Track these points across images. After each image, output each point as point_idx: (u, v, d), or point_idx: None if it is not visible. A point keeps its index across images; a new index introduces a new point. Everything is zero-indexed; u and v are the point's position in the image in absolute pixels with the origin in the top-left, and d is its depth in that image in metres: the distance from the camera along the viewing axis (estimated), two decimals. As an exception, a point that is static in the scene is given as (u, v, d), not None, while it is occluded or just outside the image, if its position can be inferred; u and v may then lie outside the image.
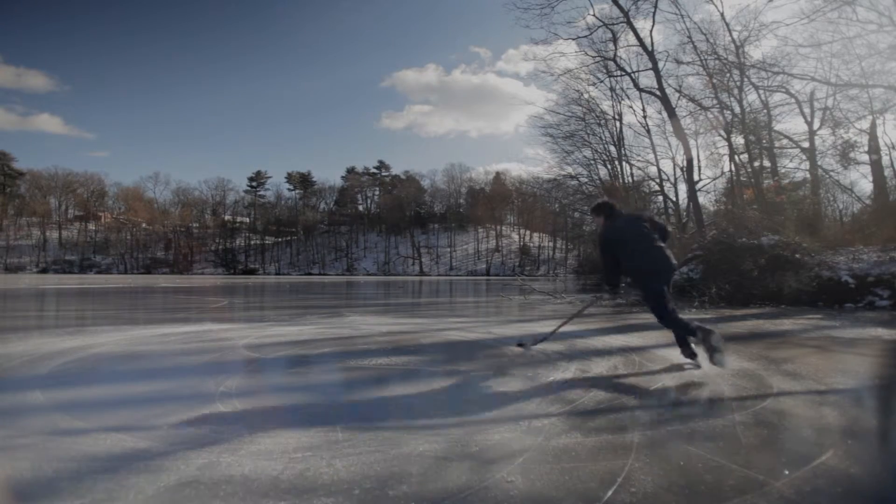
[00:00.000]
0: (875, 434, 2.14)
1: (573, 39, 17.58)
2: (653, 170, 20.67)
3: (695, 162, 16.64)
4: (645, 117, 19.41)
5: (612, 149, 21.21)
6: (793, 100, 15.17)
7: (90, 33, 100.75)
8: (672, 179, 20.71)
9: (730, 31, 14.31)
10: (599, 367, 3.29)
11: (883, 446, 2.00)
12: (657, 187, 20.91)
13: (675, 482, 1.50)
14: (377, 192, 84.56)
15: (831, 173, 16.29)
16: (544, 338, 4.19)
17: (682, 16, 15.26)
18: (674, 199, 20.42)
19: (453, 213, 79.13)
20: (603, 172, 22.88)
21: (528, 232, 74.84)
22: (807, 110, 15.16)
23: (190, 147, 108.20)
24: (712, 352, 3.09)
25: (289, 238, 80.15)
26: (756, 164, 16.00)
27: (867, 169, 15.14)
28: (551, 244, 71.93)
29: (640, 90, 17.70)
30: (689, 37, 15.02)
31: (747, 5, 17.18)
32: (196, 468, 1.59)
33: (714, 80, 15.12)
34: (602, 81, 19.71)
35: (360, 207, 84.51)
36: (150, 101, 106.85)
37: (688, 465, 1.63)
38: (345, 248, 78.97)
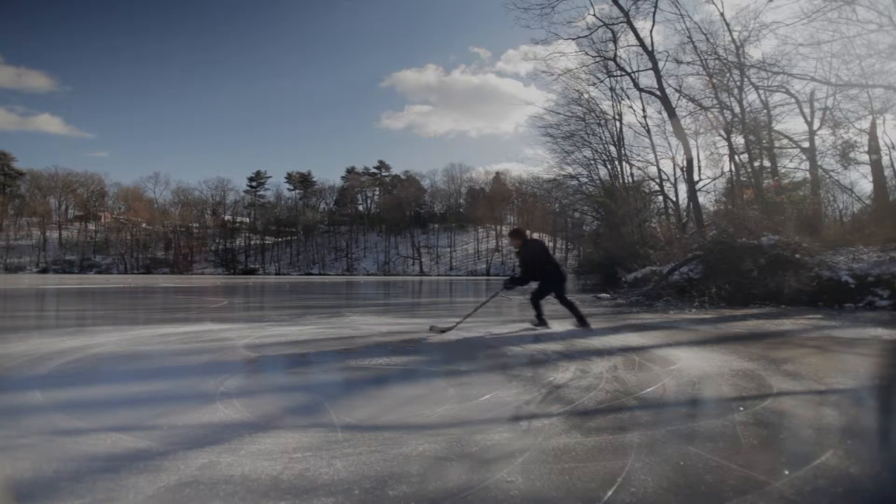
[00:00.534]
0: (875, 434, 2.14)
1: (573, 39, 17.60)
2: (653, 170, 20.68)
3: (695, 162, 16.65)
4: (645, 117, 19.41)
5: (612, 149, 21.21)
6: (793, 100, 15.17)
7: (91, 34, 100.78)
8: (672, 179, 20.71)
9: (730, 30, 14.32)
10: (599, 367, 3.29)
11: (883, 446, 2.00)
12: (657, 187, 20.91)
13: (675, 482, 1.50)
14: (377, 192, 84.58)
15: (831, 173, 16.29)
16: (452, 327, 5.10)
17: (682, 16, 15.29)
18: (674, 199, 20.42)
19: (453, 213, 79.14)
20: (603, 172, 22.89)
21: (528, 232, 74.82)
22: (807, 110, 15.16)
23: (190, 147, 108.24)
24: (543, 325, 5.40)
25: (289, 238, 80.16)
26: (756, 164, 16.00)
27: (867, 169, 15.14)
28: (551, 244, 71.87)
29: (640, 90, 17.71)
30: (689, 37, 15.04)
31: (747, 5, 17.20)
32: (196, 468, 1.59)
33: (714, 80, 15.11)
34: (602, 81, 19.73)
35: (360, 207, 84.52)
36: (150, 101, 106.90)
37: (688, 465, 1.63)
38: (345, 248, 78.97)
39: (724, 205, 18.43)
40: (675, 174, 20.61)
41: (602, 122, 21.12)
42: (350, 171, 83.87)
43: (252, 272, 72.78)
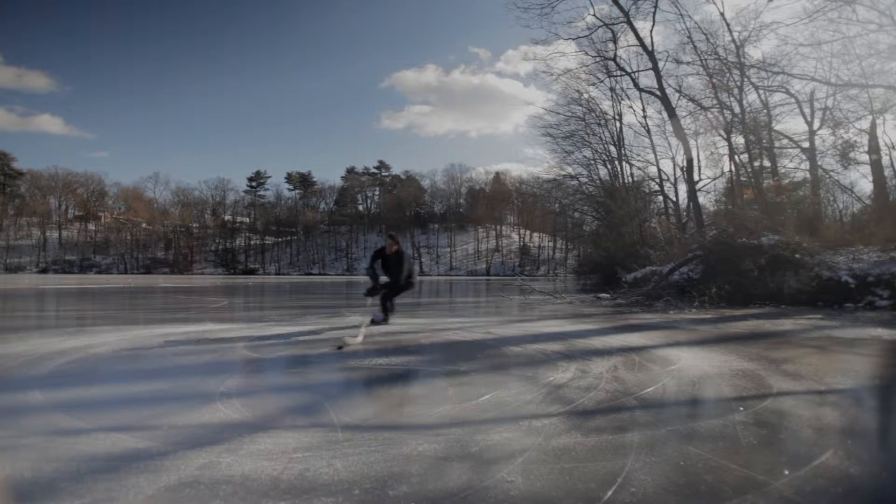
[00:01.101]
0: (875, 434, 2.14)
1: (573, 39, 17.59)
2: (653, 170, 20.65)
3: (695, 162, 16.64)
4: (645, 117, 19.40)
5: (612, 149, 21.20)
6: (793, 100, 15.15)
7: (91, 34, 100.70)
8: (672, 179, 20.69)
9: (730, 30, 14.31)
10: (599, 367, 3.29)
11: (883, 446, 2.00)
12: (657, 187, 20.88)
13: (675, 482, 1.50)
14: (377, 192, 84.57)
15: (831, 173, 16.27)
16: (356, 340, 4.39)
17: (682, 16, 15.26)
18: (674, 199, 20.40)
19: (453, 213, 79.13)
20: (603, 172, 22.87)
21: (528, 232, 74.85)
22: (807, 110, 15.14)
23: (190, 147, 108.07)
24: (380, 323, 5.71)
25: (289, 238, 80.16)
26: (756, 164, 15.99)
27: (867, 169, 15.11)
28: (551, 244, 71.95)
29: (640, 90, 17.70)
30: (689, 37, 15.03)
31: (747, 5, 17.19)
32: (196, 468, 1.59)
33: (714, 80, 15.10)
34: (602, 81, 19.70)
35: (360, 207, 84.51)
36: (150, 102, 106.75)
37: (688, 465, 1.63)
38: (345, 248, 78.99)
39: (724, 205, 18.44)
40: (675, 174, 20.61)
41: (602, 122, 21.12)
42: (350, 171, 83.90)
43: (252, 272, 72.79)
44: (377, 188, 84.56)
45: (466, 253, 76.34)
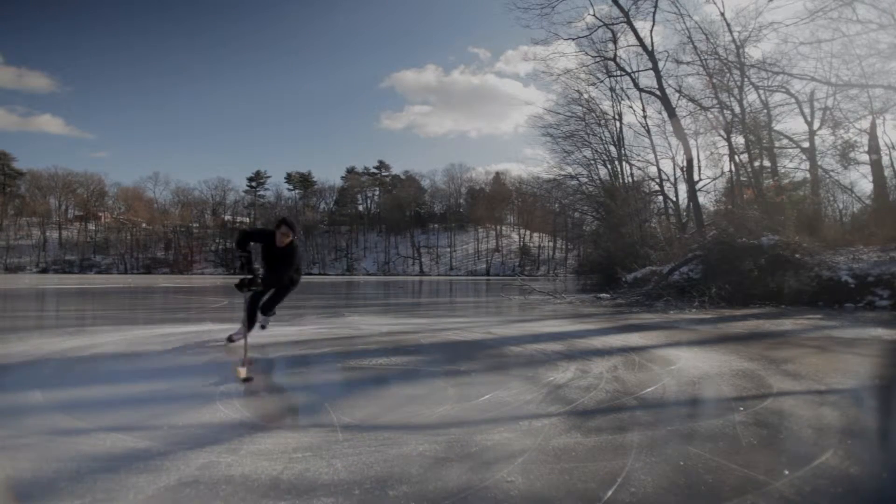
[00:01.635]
0: (875, 434, 2.14)
1: (573, 39, 17.59)
2: (653, 170, 20.65)
3: (695, 162, 16.65)
4: (645, 117, 19.40)
5: (612, 149, 21.20)
6: (793, 100, 15.16)
7: (91, 34, 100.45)
8: (672, 179, 20.69)
9: (730, 30, 14.32)
10: (599, 367, 3.29)
11: (883, 446, 2.00)
12: (657, 187, 20.88)
13: (675, 482, 1.50)
14: (377, 192, 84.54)
15: (831, 173, 16.28)
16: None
17: (682, 16, 15.26)
18: (674, 199, 20.40)
19: (453, 213, 79.09)
20: (603, 172, 22.87)
21: (528, 232, 74.84)
22: (807, 110, 15.15)
23: (190, 147, 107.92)
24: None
25: (289, 238, 79.98)
26: (756, 164, 15.99)
27: (867, 169, 15.13)
28: (551, 244, 71.92)
29: (640, 90, 17.71)
30: (689, 37, 15.03)
31: (747, 6, 17.19)
32: (196, 468, 1.59)
33: (714, 80, 15.10)
34: (602, 81, 19.70)
35: (360, 207, 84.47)
36: (150, 102, 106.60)
37: (688, 465, 1.63)
38: (345, 248, 78.99)
39: (724, 205, 18.42)
40: (675, 174, 20.60)
41: (602, 122, 21.12)
42: (350, 171, 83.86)
43: (252, 272, 72.57)
44: (377, 188, 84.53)
45: (466, 253, 76.32)
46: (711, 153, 18.92)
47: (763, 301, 8.84)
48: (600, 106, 20.95)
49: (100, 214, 75.30)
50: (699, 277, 9.76)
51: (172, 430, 1.99)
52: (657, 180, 20.53)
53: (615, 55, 17.36)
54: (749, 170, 15.89)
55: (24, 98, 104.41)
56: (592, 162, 22.79)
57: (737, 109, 15.35)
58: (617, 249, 17.49)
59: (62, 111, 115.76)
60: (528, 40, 24.90)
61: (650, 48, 15.62)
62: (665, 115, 17.22)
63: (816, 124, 15.14)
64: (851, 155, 15.30)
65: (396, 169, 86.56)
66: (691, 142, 17.18)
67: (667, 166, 21.15)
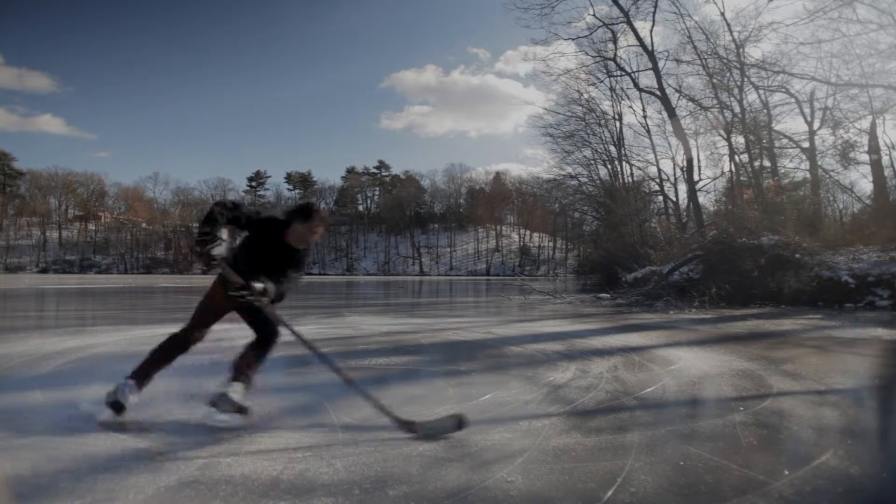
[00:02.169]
0: (875, 434, 2.14)
1: (573, 40, 17.59)
2: (653, 170, 20.66)
3: (695, 162, 16.65)
4: (645, 117, 19.41)
5: (612, 149, 21.21)
6: (793, 100, 15.16)
7: (92, 35, 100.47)
8: (672, 179, 20.69)
9: (730, 30, 14.31)
10: (599, 367, 3.29)
11: (883, 446, 2.00)
12: (657, 187, 20.89)
13: (675, 482, 1.50)
14: (377, 192, 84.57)
15: (831, 173, 16.29)
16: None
17: (682, 15, 15.26)
18: (674, 199, 20.41)
19: (453, 213, 79.12)
20: (603, 172, 22.88)
21: (528, 232, 74.85)
22: (807, 110, 15.15)
23: (190, 147, 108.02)
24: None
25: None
26: (756, 164, 15.99)
27: (867, 169, 15.13)
28: (551, 244, 71.91)
29: (640, 90, 17.71)
30: (689, 37, 15.03)
31: (747, 6, 17.19)
32: (196, 468, 1.59)
33: (714, 80, 15.10)
34: (602, 81, 19.71)
35: (360, 207, 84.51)
36: (150, 102, 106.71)
37: (688, 465, 1.63)
38: (345, 248, 78.99)
39: (724, 205, 18.43)
40: (675, 174, 20.61)
41: (602, 122, 21.13)
42: (350, 171, 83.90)
43: (252, 272, 72.62)
44: (377, 188, 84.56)
45: (466, 253, 76.33)
46: (711, 153, 18.94)
47: (763, 301, 8.84)
48: (600, 106, 20.97)
49: (100, 214, 75.31)
50: (699, 277, 9.76)
51: (172, 430, 1.99)
52: (657, 180, 20.54)
53: (615, 55, 17.37)
54: (749, 170, 15.89)
55: (25, 98, 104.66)
56: (592, 162, 22.81)
57: (737, 109, 15.36)
58: (617, 249, 17.48)
59: (63, 111, 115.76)
60: (528, 40, 24.92)
61: (650, 48, 15.62)
62: (665, 115, 17.23)
63: (816, 124, 15.15)
64: (851, 155, 15.32)
65: (396, 169, 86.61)
66: (691, 142, 17.20)
67: (667, 166, 21.16)
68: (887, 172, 15.19)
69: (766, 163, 16.34)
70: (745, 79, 14.73)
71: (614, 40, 17.07)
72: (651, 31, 15.88)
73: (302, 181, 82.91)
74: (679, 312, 7.66)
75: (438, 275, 67.53)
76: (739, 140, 15.96)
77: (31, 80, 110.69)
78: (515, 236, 77.27)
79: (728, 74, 14.96)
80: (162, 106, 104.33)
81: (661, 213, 21.69)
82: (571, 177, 23.55)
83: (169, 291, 16.01)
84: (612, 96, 20.15)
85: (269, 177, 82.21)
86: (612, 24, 16.66)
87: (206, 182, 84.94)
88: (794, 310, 7.91)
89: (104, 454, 1.72)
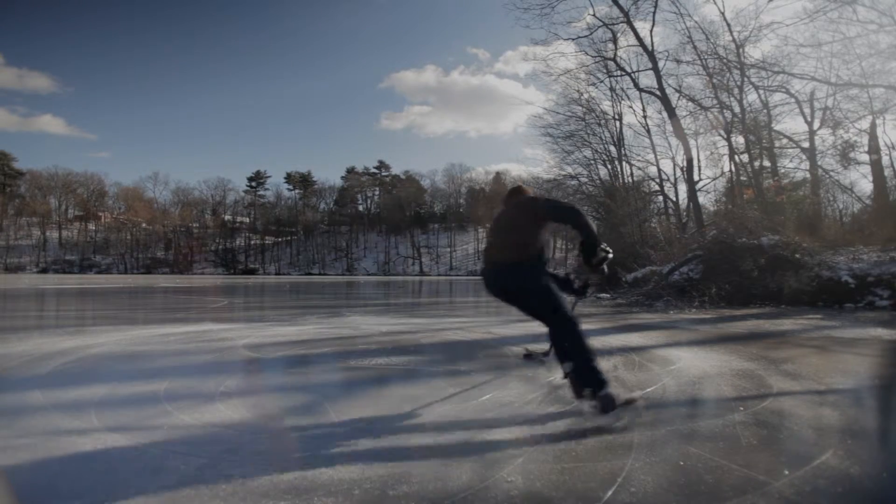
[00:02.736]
0: (875, 434, 2.14)
1: (573, 40, 17.58)
2: (653, 170, 20.65)
3: (695, 162, 16.64)
4: (645, 117, 19.39)
5: (612, 149, 21.18)
6: (793, 100, 15.16)
7: (92, 35, 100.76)
8: (672, 179, 20.68)
9: (730, 30, 14.32)
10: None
11: (883, 446, 1.99)
12: (657, 187, 20.88)
13: (675, 482, 1.50)
14: (377, 192, 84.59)
15: (831, 173, 16.28)
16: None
17: (682, 15, 15.27)
18: (674, 199, 20.39)
19: (453, 213, 79.15)
20: (603, 172, 22.86)
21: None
22: (807, 110, 15.15)
23: (190, 147, 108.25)
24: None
25: (289, 238, 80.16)
26: (756, 164, 15.99)
27: (867, 169, 15.13)
28: (551, 244, 71.85)
29: (640, 90, 17.70)
30: (689, 37, 15.03)
31: (747, 6, 17.18)
32: (196, 468, 1.59)
33: (714, 80, 15.11)
34: (602, 81, 19.68)
35: (360, 207, 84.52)
36: (151, 102, 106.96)
37: (688, 465, 1.63)
38: (345, 248, 78.99)
39: (724, 205, 18.42)
40: (675, 174, 20.59)
41: (602, 122, 21.10)
42: (350, 171, 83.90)
43: (252, 272, 72.80)
44: (377, 188, 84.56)
45: (466, 253, 76.33)
46: (711, 153, 18.93)
47: (763, 301, 8.84)
48: (600, 106, 20.94)
49: (100, 214, 75.31)
50: (699, 277, 9.76)
51: (172, 430, 1.99)
52: (657, 180, 20.53)
53: (615, 55, 17.35)
54: (749, 170, 15.89)
55: (26, 99, 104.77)
56: (592, 162, 22.80)
57: (737, 109, 15.36)
58: (617, 249, 17.44)
59: (63, 112, 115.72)
60: (528, 41, 24.95)
61: (650, 48, 15.62)
62: (665, 115, 17.22)
63: (816, 124, 15.15)
64: (851, 155, 15.30)
65: (396, 169, 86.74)
66: (691, 142, 17.19)
67: (667, 166, 21.16)
68: (887, 172, 15.20)
69: (766, 163, 16.35)
70: (745, 79, 14.74)
71: (614, 40, 17.07)
72: (651, 31, 15.89)
73: (302, 181, 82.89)
74: (679, 312, 7.66)
75: (438, 275, 67.52)
76: (739, 140, 15.97)
77: (31, 80, 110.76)
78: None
79: (728, 74, 14.96)
80: (162, 106, 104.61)
81: (661, 213, 21.68)
82: (571, 177, 23.54)
83: (169, 291, 16.01)
84: (612, 96, 20.13)
85: (269, 177, 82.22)
86: (612, 24, 16.66)
87: (206, 182, 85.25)
88: (794, 310, 7.91)
89: (104, 454, 1.72)
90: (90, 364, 3.40)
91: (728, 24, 14.35)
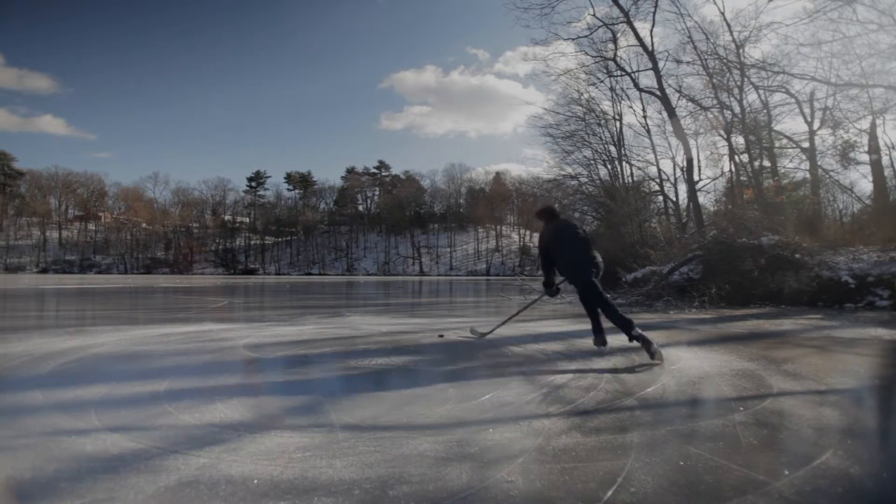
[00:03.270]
0: (875, 434, 2.14)
1: (573, 40, 17.57)
2: (653, 170, 20.65)
3: (695, 162, 16.63)
4: (645, 117, 19.39)
5: (612, 149, 21.18)
6: (793, 100, 15.15)
7: (92, 35, 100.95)
8: (672, 179, 20.68)
9: (730, 30, 14.30)
10: (599, 367, 3.29)
11: (883, 446, 1.99)
12: (657, 187, 20.89)
13: (675, 482, 1.50)
14: (377, 192, 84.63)
15: (831, 173, 16.27)
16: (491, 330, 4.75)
17: (682, 15, 15.25)
18: (674, 199, 20.40)
19: (453, 213, 79.17)
20: (603, 172, 22.86)
21: (528, 232, 74.87)
22: (807, 110, 15.14)
23: (190, 147, 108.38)
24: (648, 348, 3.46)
25: (289, 238, 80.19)
26: (756, 164, 15.99)
27: (867, 169, 15.12)
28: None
29: (640, 90, 17.69)
30: (689, 37, 15.02)
31: (747, 6, 17.18)
32: (196, 468, 1.59)
33: (714, 80, 15.10)
34: (602, 81, 19.68)
35: (360, 207, 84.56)
36: (151, 102, 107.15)
37: (688, 465, 1.63)
38: (345, 248, 79.02)
39: (724, 205, 18.42)
40: (675, 174, 20.60)
41: (602, 122, 21.09)
42: (350, 171, 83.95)
43: (252, 272, 72.80)
44: (377, 188, 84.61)
45: (466, 253, 76.36)
46: (711, 153, 18.93)
47: (763, 301, 8.84)
48: (600, 106, 20.94)
49: (100, 214, 75.36)
50: (699, 277, 9.76)
51: (172, 430, 1.99)
52: (657, 180, 20.54)
53: (615, 55, 17.34)
54: (749, 170, 15.88)
55: (26, 99, 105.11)
56: (592, 162, 22.79)
57: (737, 109, 15.35)
58: (617, 249, 17.45)
59: (64, 112, 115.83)
60: (528, 41, 24.96)
61: (650, 48, 15.60)
62: (665, 115, 17.22)
63: (816, 124, 15.14)
64: (851, 155, 15.30)
65: (396, 169, 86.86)
66: (691, 142, 17.18)
67: (667, 166, 21.18)
68: (887, 172, 15.19)
69: (766, 163, 16.34)
70: (745, 79, 14.73)
71: (614, 40, 17.06)
72: (651, 31, 15.87)
73: (302, 181, 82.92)
74: (679, 312, 7.66)
75: (438, 275, 67.51)
76: (739, 140, 15.96)
77: (32, 80, 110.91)
78: (515, 236, 77.29)
79: (728, 74, 14.96)
80: (162, 106, 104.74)
81: (661, 213, 21.68)
82: (571, 177, 23.54)
83: (169, 291, 16.01)
84: (612, 96, 20.13)
85: (269, 177, 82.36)
86: (612, 24, 16.64)
87: (206, 182, 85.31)
88: (794, 310, 7.91)
89: (104, 454, 1.72)
90: (90, 364, 3.40)
91: (728, 24, 14.35)
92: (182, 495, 1.40)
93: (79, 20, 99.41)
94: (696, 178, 16.56)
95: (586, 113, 20.95)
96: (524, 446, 1.80)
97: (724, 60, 14.50)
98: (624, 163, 20.75)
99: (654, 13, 15.43)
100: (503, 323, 4.87)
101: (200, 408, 2.29)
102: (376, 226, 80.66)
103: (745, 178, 16.26)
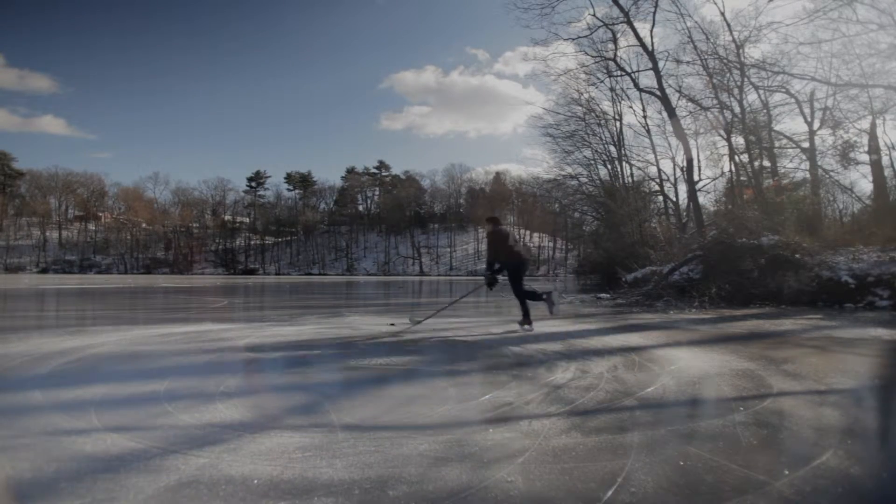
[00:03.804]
0: (875, 434, 2.14)
1: (573, 40, 17.58)
2: (653, 170, 20.67)
3: (695, 162, 16.64)
4: (645, 117, 19.41)
5: (612, 149, 21.23)
6: (793, 100, 15.15)
7: (92, 35, 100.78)
8: (672, 179, 20.70)
9: (730, 30, 14.31)
10: (599, 367, 3.29)
11: (883, 446, 1.99)
12: (657, 187, 20.91)
13: (675, 482, 1.50)
14: (377, 192, 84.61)
15: (831, 173, 16.28)
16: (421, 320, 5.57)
17: (682, 15, 15.26)
18: (674, 199, 20.41)
19: (453, 213, 79.17)
20: (603, 172, 22.91)
21: (528, 232, 74.87)
22: (807, 110, 15.14)
23: (190, 147, 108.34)
24: (551, 306, 5.75)
25: (289, 238, 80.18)
26: (756, 164, 15.99)
27: (867, 169, 15.13)
28: (551, 244, 71.92)
29: (640, 90, 17.71)
30: (690, 37, 15.03)
31: (747, 6, 17.18)
32: (196, 468, 1.59)
33: (714, 80, 15.10)
34: (602, 81, 19.72)
35: (360, 207, 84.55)
36: (151, 102, 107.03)
37: (688, 465, 1.63)
38: (345, 248, 79.01)
39: (724, 205, 18.43)
40: (675, 174, 20.61)
41: (602, 122, 21.13)
42: (350, 171, 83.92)
43: (252, 272, 72.79)
44: (377, 188, 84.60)
45: (466, 253, 76.32)
46: (711, 153, 18.95)
47: (763, 301, 8.84)
48: (600, 106, 20.98)
49: (100, 214, 75.34)
50: (699, 277, 9.76)
51: (172, 430, 1.98)
52: (657, 180, 20.55)
53: (615, 55, 17.36)
54: (749, 170, 15.89)
55: (27, 99, 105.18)
56: (592, 162, 22.83)
57: (737, 109, 15.35)
58: (617, 249, 17.49)
59: (64, 112, 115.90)
60: (528, 41, 25.01)
61: (650, 48, 15.62)
62: (665, 115, 17.23)
63: (816, 124, 15.14)
64: (851, 155, 15.30)
65: (396, 169, 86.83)
66: (691, 142, 17.19)
67: (667, 166, 21.19)
68: (887, 172, 15.20)
69: (766, 163, 16.34)
70: (745, 79, 14.73)
71: (614, 40, 17.08)
72: (651, 31, 15.90)
73: (302, 181, 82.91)
74: (679, 312, 7.66)
75: (438, 275, 67.50)
76: (739, 140, 15.97)
77: (32, 81, 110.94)
78: (516, 236, 77.19)
79: (728, 74, 14.96)
80: (162, 106, 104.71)
81: (661, 213, 21.70)
82: (571, 177, 23.57)
83: (169, 291, 16.01)
84: (612, 96, 20.17)
85: (269, 177, 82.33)
86: (612, 24, 16.66)
87: (206, 182, 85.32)
88: (794, 310, 7.91)
89: (104, 454, 1.71)
90: (90, 364, 3.40)
91: (728, 24, 14.36)
92: (182, 495, 1.40)
93: (79, 20, 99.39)
94: (696, 178, 16.59)
95: (586, 113, 20.99)
96: (524, 446, 1.80)
97: (724, 60, 14.51)
98: (624, 163, 20.79)
99: (654, 13, 15.45)
100: (437, 312, 6.07)
101: (200, 408, 2.29)
102: (376, 226, 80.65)
103: (745, 178, 16.26)
